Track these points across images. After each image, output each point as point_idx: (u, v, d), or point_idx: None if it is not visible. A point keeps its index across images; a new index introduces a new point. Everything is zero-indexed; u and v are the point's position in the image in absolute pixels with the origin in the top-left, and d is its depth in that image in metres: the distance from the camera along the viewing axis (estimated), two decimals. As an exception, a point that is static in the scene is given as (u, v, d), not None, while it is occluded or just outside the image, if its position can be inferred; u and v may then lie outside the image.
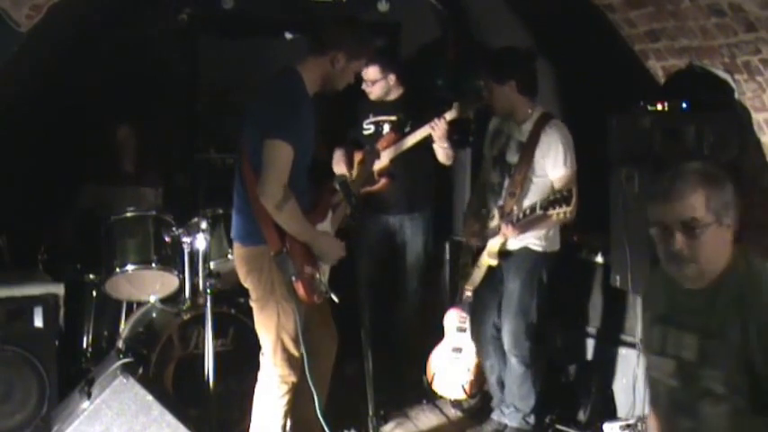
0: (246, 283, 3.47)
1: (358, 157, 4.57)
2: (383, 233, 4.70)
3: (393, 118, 4.58)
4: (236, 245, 3.49)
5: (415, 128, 4.44)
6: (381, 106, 4.64)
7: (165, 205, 4.79)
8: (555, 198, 3.59)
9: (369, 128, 4.65)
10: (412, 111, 4.53)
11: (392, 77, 4.57)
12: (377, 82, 4.53)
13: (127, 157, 4.88)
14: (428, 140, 4.44)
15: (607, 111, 3.79)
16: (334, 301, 3.49)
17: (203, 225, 4.08)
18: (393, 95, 4.64)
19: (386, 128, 4.59)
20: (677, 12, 3.72)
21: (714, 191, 2.15)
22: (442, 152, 4.50)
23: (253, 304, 3.49)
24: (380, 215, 4.66)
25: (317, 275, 3.37)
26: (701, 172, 2.19)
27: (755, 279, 2.17)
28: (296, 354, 3.42)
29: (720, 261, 2.18)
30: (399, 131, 4.51)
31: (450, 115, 4.31)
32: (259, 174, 3.23)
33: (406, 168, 4.57)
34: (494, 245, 3.90)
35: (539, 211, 3.66)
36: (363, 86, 4.56)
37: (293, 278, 3.28)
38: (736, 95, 3.82)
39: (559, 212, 3.59)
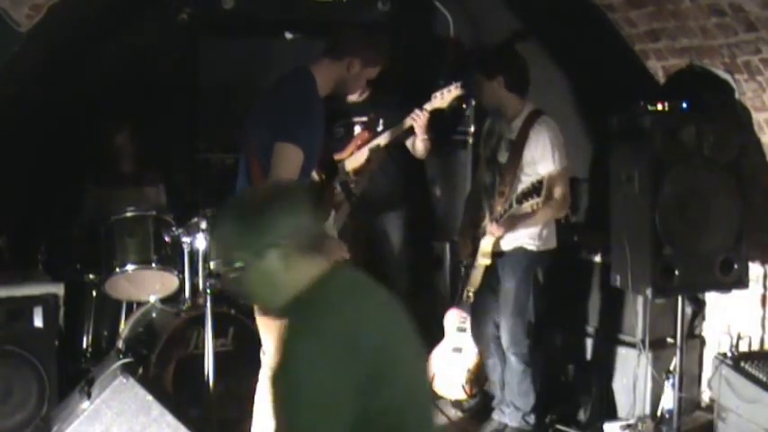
0: None
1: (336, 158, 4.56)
2: (368, 238, 4.69)
3: (364, 118, 4.57)
4: None
5: (390, 124, 4.43)
6: (350, 108, 4.60)
7: (165, 205, 4.80)
8: (527, 190, 3.61)
9: (339, 131, 4.63)
10: (382, 108, 4.52)
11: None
12: None
13: (126, 158, 4.88)
14: (404, 136, 4.42)
15: (607, 111, 3.79)
16: None
17: (203, 225, 4.08)
18: (362, 95, 4.61)
19: (357, 129, 4.57)
20: (677, 11, 3.72)
21: (237, 230, 2.00)
22: (421, 145, 4.47)
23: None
24: (362, 217, 4.65)
25: None
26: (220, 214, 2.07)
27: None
28: None
29: (272, 291, 2.03)
30: (372, 130, 4.50)
31: (430, 105, 4.30)
32: (267, 171, 3.23)
33: (382, 168, 4.55)
34: (486, 245, 3.91)
35: (515, 206, 3.67)
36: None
37: None
38: (737, 95, 3.83)
39: (532, 204, 3.60)
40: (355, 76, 3.40)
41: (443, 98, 4.22)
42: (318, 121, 3.33)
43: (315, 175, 4.00)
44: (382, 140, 4.42)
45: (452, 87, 4.24)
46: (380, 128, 4.48)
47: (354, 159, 4.48)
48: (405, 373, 1.98)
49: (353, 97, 4.55)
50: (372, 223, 4.71)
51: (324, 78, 3.35)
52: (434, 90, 4.41)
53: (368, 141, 4.44)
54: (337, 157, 4.52)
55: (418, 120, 4.29)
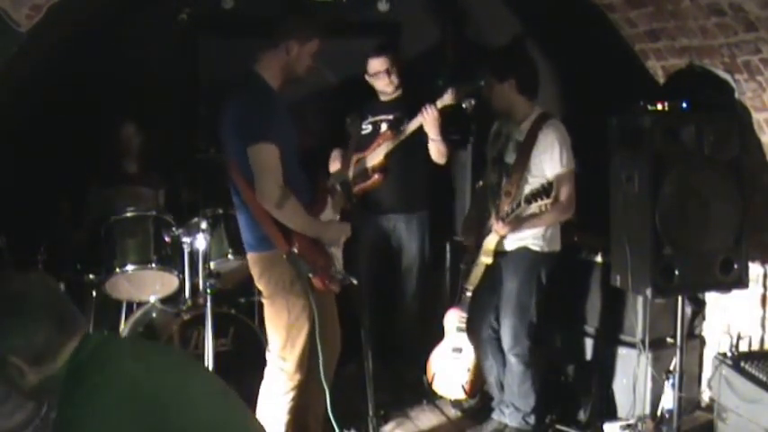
0: (260, 284, 3.48)
1: (356, 158, 4.58)
2: (379, 235, 4.71)
3: (390, 117, 4.60)
4: (250, 255, 3.49)
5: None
6: (380, 106, 4.66)
7: (166, 205, 4.80)
8: (536, 191, 3.62)
9: (367, 128, 4.66)
10: (410, 111, 4.54)
11: (395, 70, 4.59)
12: (380, 73, 4.56)
13: (129, 157, 4.89)
14: (423, 139, 4.44)
15: (607, 111, 3.79)
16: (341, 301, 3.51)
17: (203, 225, 4.09)
18: (393, 95, 4.65)
19: (383, 127, 4.61)
20: (677, 11, 3.72)
21: None
22: (434, 148, 4.50)
23: (264, 301, 3.51)
24: (375, 216, 4.67)
25: (333, 265, 3.39)
26: None
27: None
28: (304, 351, 3.42)
29: None
30: (396, 130, 4.53)
31: (441, 102, 4.32)
32: (251, 181, 3.25)
33: (400, 169, 4.58)
34: (489, 243, 3.92)
35: (523, 205, 3.69)
36: (368, 78, 4.60)
37: (310, 275, 3.29)
38: (737, 95, 3.82)
39: (541, 205, 3.62)
40: (297, 56, 3.41)
41: (456, 94, 4.25)
42: (281, 115, 3.36)
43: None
44: (392, 142, 4.45)
45: (457, 86, 4.27)
46: (404, 127, 4.51)
47: (374, 156, 4.52)
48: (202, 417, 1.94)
49: (384, 90, 4.60)
50: (383, 223, 4.72)
51: (270, 71, 3.39)
52: (435, 92, 4.44)
53: (390, 139, 4.48)
54: (360, 155, 4.54)
55: (428, 116, 4.31)
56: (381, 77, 4.58)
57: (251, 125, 3.25)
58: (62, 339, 1.91)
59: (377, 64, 4.58)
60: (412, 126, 4.42)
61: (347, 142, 4.61)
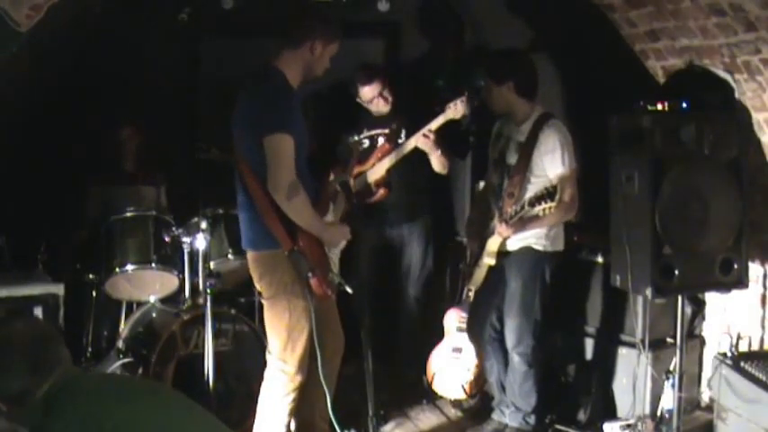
0: (260, 285, 3.47)
1: (356, 171, 4.55)
2: (382, 238, 4.71)
3: (386, 130, 4.59)
4: (250, 253, 3.48)
5: (407, 137, 4.46)
6: (375, 120, 4.65)
7: (166, 205, 4.80)
8: (541, 194, 3.62)
9: (364, 142, 4.66)
10: (404, 120, 4.54)
11: (386, 89, 4.58)
12: (374, 98, 4.56)
13: (129, 157, 4.89)
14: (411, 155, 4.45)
15: (607, 111, 3.79)
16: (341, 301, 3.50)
17: (203, 225, 4.09)
18: (386, 108, 4.63)
19: (380, 141, 4.61)
20: (677, 11, 3.73)
21: None
22: (435, 161, 4.52)
23: (264, 303, 3.50)
24: (380, 226, 4.68)
25: (330, 269, 3.39)
26: None
27: None
28: (305, 353, 3.42)
29: None
30: (393, 142, 4.53)
31: (435, 124, 4.32)
32: (261, 177, 3.24)
33: (403, 178, 4.58)
34: (492, 244, 3.91)
35: (527, 208, 3.69)
36: (360, 102, 4.60)
37: (309, 274, 3.29)
38: (737, 95, 3.82)
39: (545, 208, 3.63)
40: (320, 56, 3.41)
41: (456, 110, 4.26)
42: (297, 112, 3.35)
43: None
44: (391, 159, 4.44)
45: (461, 100, 4.26)
46: (402, 139, 4.51)
47: (375, 171, 4.51)
48: None
49: (379, 110, 4.60)
50: (387, 233, 4.72)
51: (291, 70, 3.37)
52: (435, 93, 4.43)
53: (388, 153, 4.48)
54: (360, 168, 4.53)
55: (427, 142, 4.33)
56: (375, 102, 4.58)
57: (269, 116, 3.24)
58: (38, 383, 2.05)
59: (368, 92, 4.56)
60: (409, 146, 4.42)
61: (345, 159, 4.59)
